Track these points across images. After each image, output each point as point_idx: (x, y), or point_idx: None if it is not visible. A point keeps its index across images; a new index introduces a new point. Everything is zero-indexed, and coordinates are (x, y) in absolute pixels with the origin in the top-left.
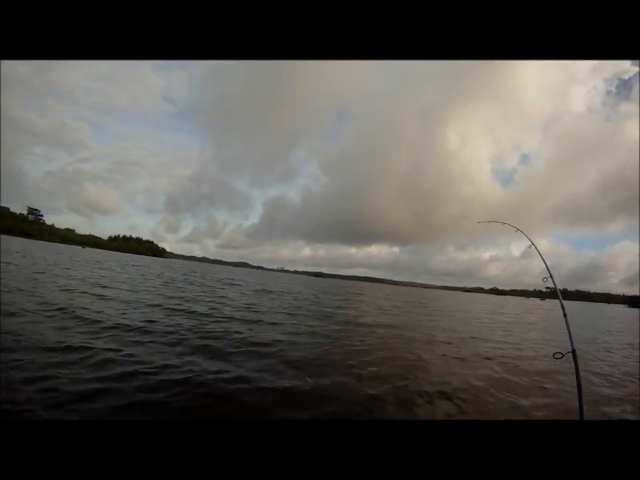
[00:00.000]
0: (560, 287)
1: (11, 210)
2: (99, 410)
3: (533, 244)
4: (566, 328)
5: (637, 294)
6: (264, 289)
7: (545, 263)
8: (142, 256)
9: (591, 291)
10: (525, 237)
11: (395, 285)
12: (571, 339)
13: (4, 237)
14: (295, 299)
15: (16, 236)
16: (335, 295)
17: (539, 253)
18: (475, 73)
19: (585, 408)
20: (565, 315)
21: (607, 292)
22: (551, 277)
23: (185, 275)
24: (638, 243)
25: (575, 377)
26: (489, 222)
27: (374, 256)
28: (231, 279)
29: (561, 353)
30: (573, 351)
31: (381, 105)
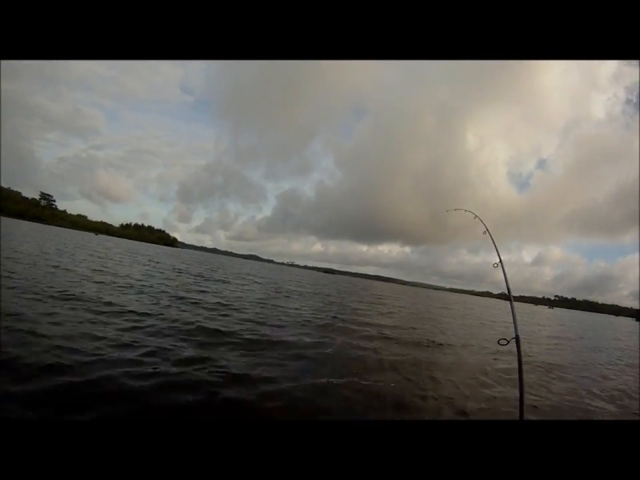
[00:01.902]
0: (568, 295)
1: (23, 194)
2: None
3: (488, 230)
4: None
5: None
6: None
7: (499, 255)
8: (158, 245)
9: (600, 302)
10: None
11: (404, 284)
12: (515, 324)
13: (15, 221)
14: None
15: (28, 220)
16: (359, 296)
17: (494, 243)
18: (496, 73)
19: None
20: (512, 307)
21: (615, 304)
22: (506, 279)
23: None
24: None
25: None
26: (455, 210)
27: (385, 255)
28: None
29: (505, 339)
30: (517, 337)
31: (399, 101)
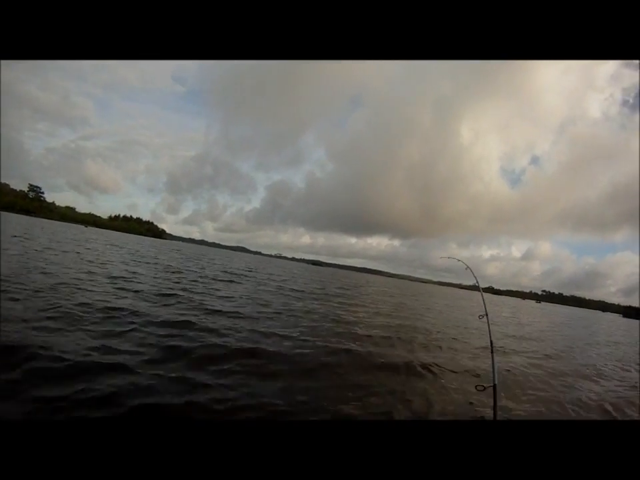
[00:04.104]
0: (556, 291)
1: (12, 186)
2: None
3: (477, 281)
4: None
5: (634, 305)
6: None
7: (479, 287)
8: (146, 237)
9: (587, 298)
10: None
11: (391, 277)
12: (494, 373)
13: (4, 214)
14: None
15: (16, 213)
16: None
17: (474, 277)
18: (494, 69)
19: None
20: (491, 346)
21: (602, 300)
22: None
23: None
24: (639, 254)
25: None
26: (448, 258)
27: (373, 247)
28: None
29: (482, 385)
30: (494, 386)
31: (395, 93)
